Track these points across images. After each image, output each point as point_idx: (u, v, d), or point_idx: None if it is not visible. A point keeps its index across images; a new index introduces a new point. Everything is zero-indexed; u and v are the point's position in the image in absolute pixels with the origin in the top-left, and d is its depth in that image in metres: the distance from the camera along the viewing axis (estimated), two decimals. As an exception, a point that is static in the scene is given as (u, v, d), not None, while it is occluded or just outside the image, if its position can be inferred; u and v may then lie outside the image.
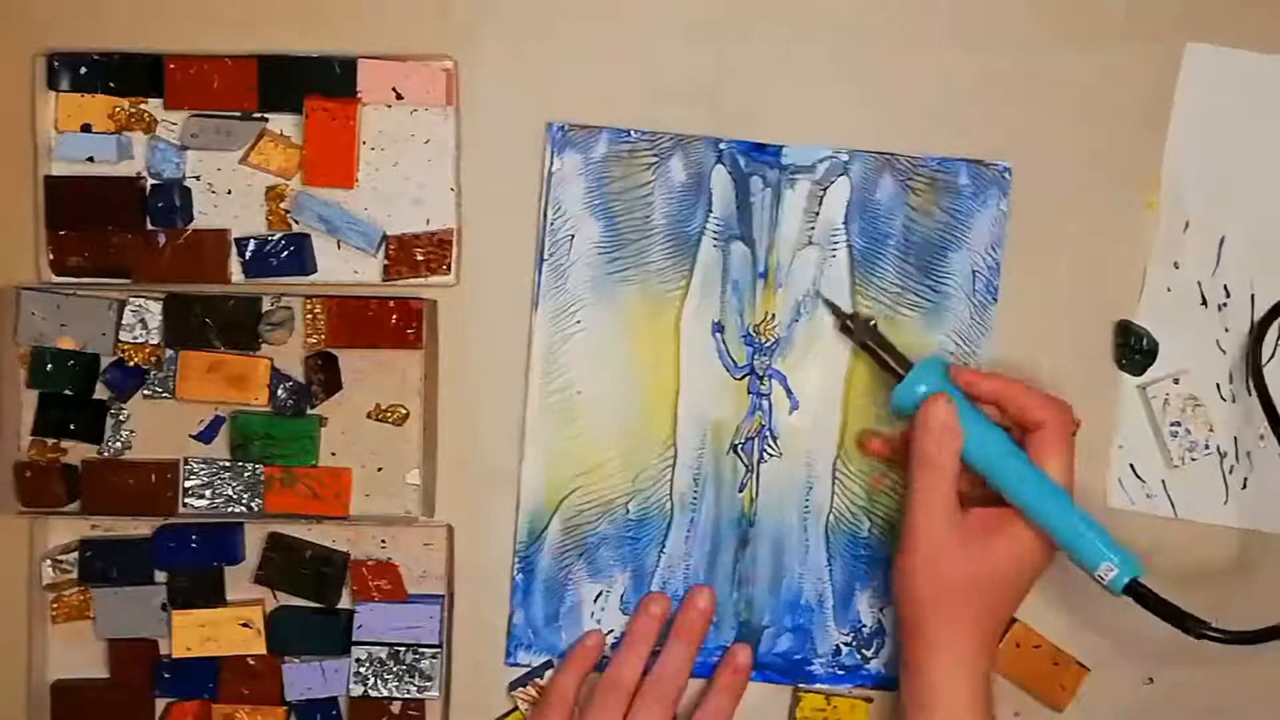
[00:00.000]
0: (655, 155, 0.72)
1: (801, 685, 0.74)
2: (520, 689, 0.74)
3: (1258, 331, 0.72)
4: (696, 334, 0.73)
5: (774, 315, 0.73)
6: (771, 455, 0.73)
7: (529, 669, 0.74)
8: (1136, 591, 0.64)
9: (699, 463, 0.73)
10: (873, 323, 0.72)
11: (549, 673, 0.73)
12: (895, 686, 0.73)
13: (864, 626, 0.74)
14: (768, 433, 0.73)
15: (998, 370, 0.71)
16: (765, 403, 0.73)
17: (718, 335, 0.73)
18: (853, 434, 0.73)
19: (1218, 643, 0.65)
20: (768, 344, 0.73)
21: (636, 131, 0.72)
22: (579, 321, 0.73)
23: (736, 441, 0.73)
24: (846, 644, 0.74)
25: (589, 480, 0.73)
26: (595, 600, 0.74)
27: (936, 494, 0.65)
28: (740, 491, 0.73)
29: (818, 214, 0.73)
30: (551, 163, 0.72)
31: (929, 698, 0.65)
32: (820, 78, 0.73)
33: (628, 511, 0.73)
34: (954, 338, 0.73)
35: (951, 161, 0.73)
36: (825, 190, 0.73)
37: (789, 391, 0.73)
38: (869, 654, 0.74)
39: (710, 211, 0.73)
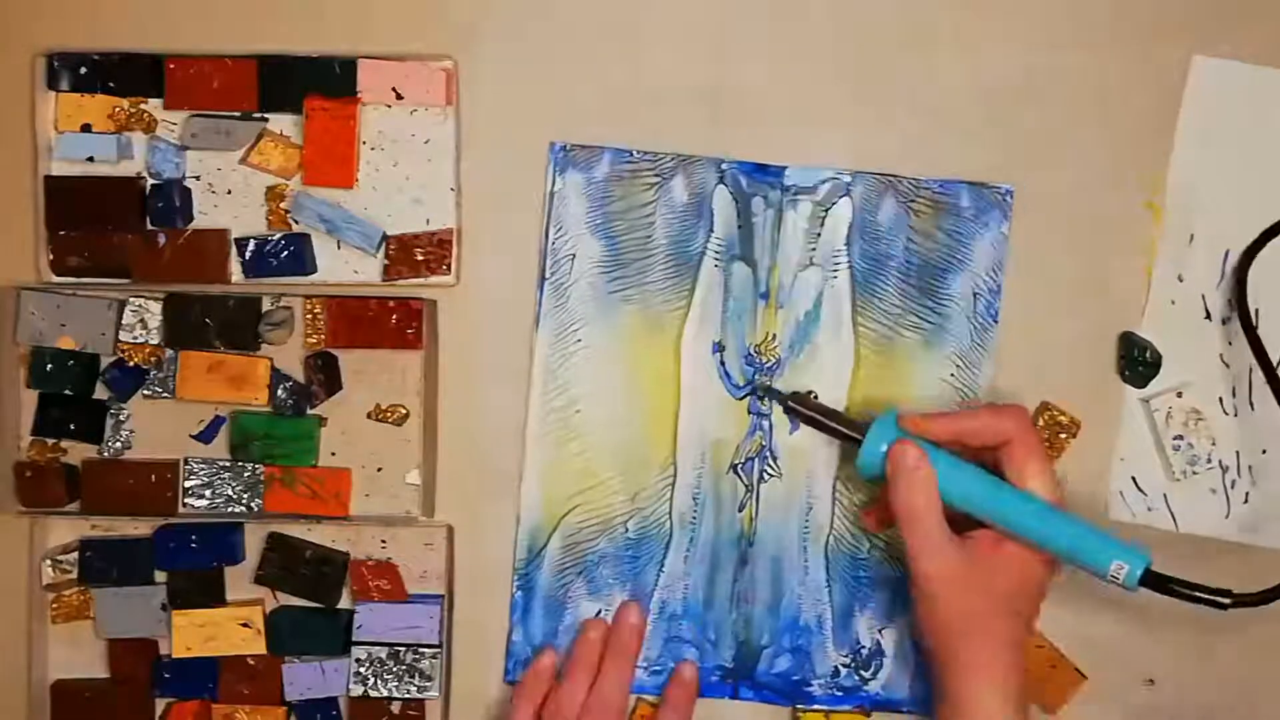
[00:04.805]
0: (657, 175, 0.72)
1: (800, 705, 0.73)
2: (522, 700, 0.74)
3: (1244, 259, 0.72)
4: (697, 354, 0.73)
5: (775, 335, 0.72)
6: (771, 475, 0.73)
7: None
8: (1153, 580, 0.64)
9: (699, 482, 0.73)
10: (813, 395, 0.72)
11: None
12: (893, 708, 0.74)
13: (863, 648, 0.74)
14: (768, 453, 0.73)
15: (942, 410, 0.71)
16: (765, 423, 0.73)
17: (718, 355, 0.73)
18: (853, 455, 0.72)
19: (1247, 607, 0.65)
20: (768, 364, 0.73)
21: (638, 151, 0.72)
22: (580, 340, 0.73)
23: (736, 461, 0.73)
24: (845, 665, 0.74)
25: (588, 498, 0.73)
26: (594, 618, 0.73)
27: (930, 539, 0.65)
28: (740, 511, 0.73)
29: (819, 235, 0.72)
30: (553, 182, 0.72)
31: (968, 715, 0.65)
32: (822, 82, 0.73)
33: (627, 530, 0.73)
34: (955, 359, 0.73)
35: (953, 184, 0.72)
36: (827, 211, 0.72)
37: None
38: (868, 675, 0.74)
39: (712, 232, 0.72)
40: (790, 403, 0.71)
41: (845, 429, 0.70)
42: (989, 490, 0.65)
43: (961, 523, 0.66)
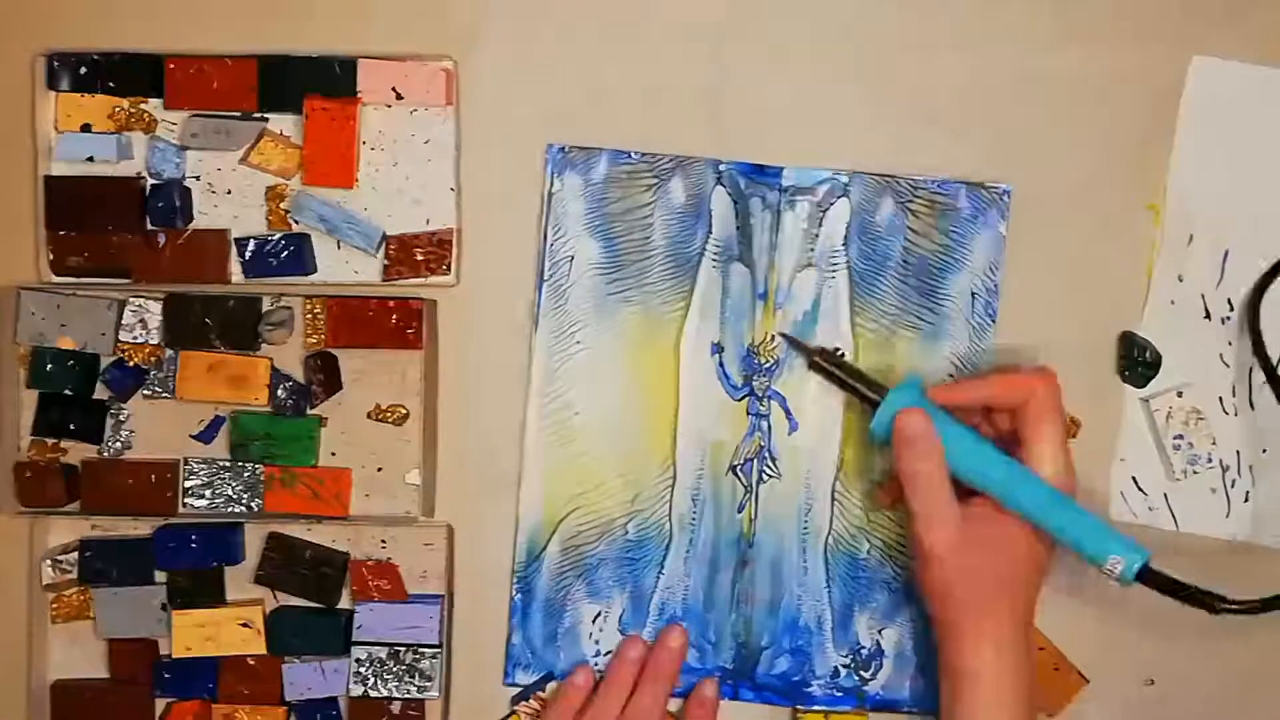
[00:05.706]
0: (655, 177, 0.72)
1: (800, 706, 0.73)
2: (523, 702, 0.73)
3: (1260, 285, 0.72)
4: (696, 355, 0.73)
5: (774, 336, 0.73)
6: (771, 476, 0.73)
7: (528, 686, 0.74)
8: (1149, 577, 0.64)
9: (698, 483, 0.73)
10: (840, 353, 0.72)
11: (551, 685, 0.73)
12: (893, 709, 0.73)
13: (863, 648, 0.73)
14: (767, 454, 0.73)
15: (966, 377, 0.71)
16: (764, 424, 0.73)
17: (717, 356, 0.73)
18: (852, 455, 0.73)
19: (1236, 614, 0.65)
20: (767, 365, 0.73)
21: (636, 153, 0.72)
22: (579, 342, 0.73)
23: (735, 462, 0.73)
24: (845, 666, 0.73)
25: (588, 500, 0.73)
26: (594, 621, 0.73)
27: (934, 503, 0.65)
28: (739, 512, 0.73)
29: (818, 235, 0.72)
30: (551, 184, 0.72)
31: (970, 683, 0.64)
32: (821, 83, 0.73)
33: (626, 532, 0.73)
34: (953, 359, 0.73)
35: (951, 184, 0.72)
36: (825, 212, 0.72)
37: (788, 413, 0.73)
38: (867, 676, 0.73)
39: (710, 233, 0.72)
40: (816, 358, 0.71)
41: (866, 390, 0.69)
42: (996, 466, 0.65)
43: (965, 490, 0.66)
